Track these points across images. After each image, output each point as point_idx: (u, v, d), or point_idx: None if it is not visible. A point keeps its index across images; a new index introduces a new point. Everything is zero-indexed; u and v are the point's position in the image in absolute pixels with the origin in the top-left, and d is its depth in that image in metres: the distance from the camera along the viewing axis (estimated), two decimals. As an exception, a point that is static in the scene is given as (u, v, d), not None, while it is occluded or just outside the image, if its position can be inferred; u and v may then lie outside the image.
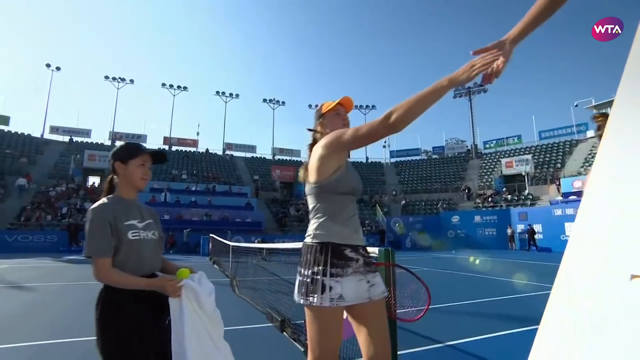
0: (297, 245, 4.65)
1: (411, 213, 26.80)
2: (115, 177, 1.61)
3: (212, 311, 1.52)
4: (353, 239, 1.53)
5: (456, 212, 25.36)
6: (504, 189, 26.42)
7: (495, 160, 31.77)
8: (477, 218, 23.38)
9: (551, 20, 1.11)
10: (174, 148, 34.14)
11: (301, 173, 1.65)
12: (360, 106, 40.21)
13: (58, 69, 33.13)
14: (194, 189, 25.02)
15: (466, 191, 28.50)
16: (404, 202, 28.91)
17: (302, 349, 3.29)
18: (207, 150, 35.45)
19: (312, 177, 1.55)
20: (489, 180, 29.27)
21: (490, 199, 25.70)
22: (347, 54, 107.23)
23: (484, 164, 32.56)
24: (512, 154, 30.99)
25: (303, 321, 3.39)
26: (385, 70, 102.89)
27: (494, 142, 34.73)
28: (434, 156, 38.49)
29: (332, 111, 1.63)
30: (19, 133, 29.63)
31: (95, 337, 1.43)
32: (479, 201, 26.50)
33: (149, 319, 1.47)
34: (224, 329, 1.57)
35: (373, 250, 1.99)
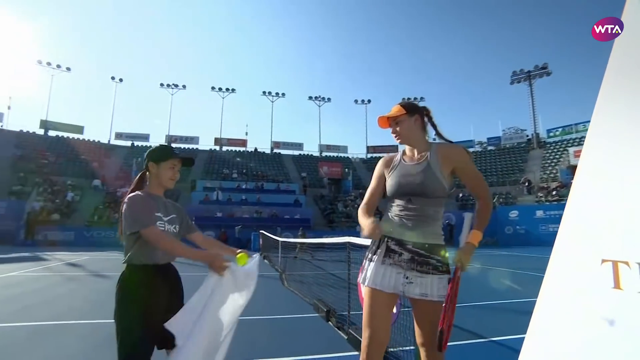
0: (328, 240, 4.81)
1: (465, 208, 25.36)
2: (147, 174, 1.74)
3: (239, 305, 1.61)
4: (398, 234, 1.64)
5: (515, 207, 23.62)
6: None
7: (561, 149, 29.00)
8: (539, 213, 21.48)
9: None
10: (224, 148, 35.72)
11: None
12: (409, 98, 39.00)
13: (121, 80, 36.30)
14: (244, 187, 25.96)
15: (526, 184, 26.36)
16: (461, 194, 27.32)
17: (346, 337, 3.45)
18: (255, 149, 36.64)
19: None
20: (554, 171, 26.77)
21: (555, 192, 23.53)
22: (393, 46, 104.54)
23: (547, 154, 29.86)
24: (582, 142, 27.94)
25: (346, 312, 3.58)
26: (433, 62, 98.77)
27: (560, 129, 31.46)
28: (490, 147, 36.12)
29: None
30: (91, 140, 33.00)
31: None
32: (541, 195, 24.39)
33: (162, 303, 1.60)
34: (234, 327, 1.65)
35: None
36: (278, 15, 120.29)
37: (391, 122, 1.76)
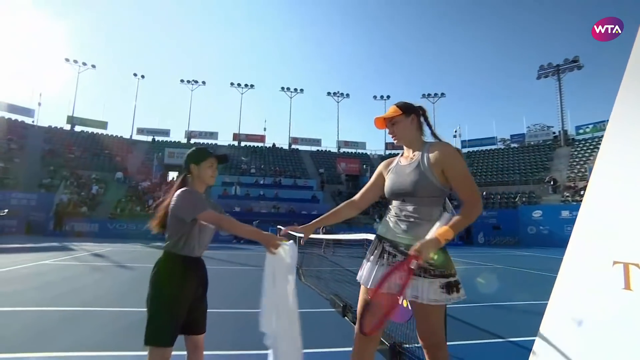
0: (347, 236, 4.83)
1: (485, 207, 24.81)
2: (189, 175, 1.92)
3: (293, 287, 1.72)
4: (390, 235, 1.68)
5: (538, 207, 22.96)
6: (601, 180, 22.98)
7: (591, 147, 27.83)
8: (565, 213, 20.75)
9: None
10: (242, 144, 36.11)
11: None
12: (429, 94, 38.48)
13: (143, 77, 37.26)
14: (262, 182, 26.20)
15: (551, 183, 25.50)
16: (483, 193, 26.77)
17: None
18: (273, 144, 36.88)
19: None
20: (582, 170, 25.76)
21: (583, 192, 22.65)
22: (413, 41, 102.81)
23: (575, 152, 28.76)
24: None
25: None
26: (454, 57, 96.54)
27: (590, 126, 30.09)
28: (513, 145, 35.11)
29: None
30: (114, 135, 34.04)
31: None
32: (567, 194, 23.56)
33: (191, 292, 1.76)
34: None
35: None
36: (297, 11, 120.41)
37: (387, 122, 1.78)
